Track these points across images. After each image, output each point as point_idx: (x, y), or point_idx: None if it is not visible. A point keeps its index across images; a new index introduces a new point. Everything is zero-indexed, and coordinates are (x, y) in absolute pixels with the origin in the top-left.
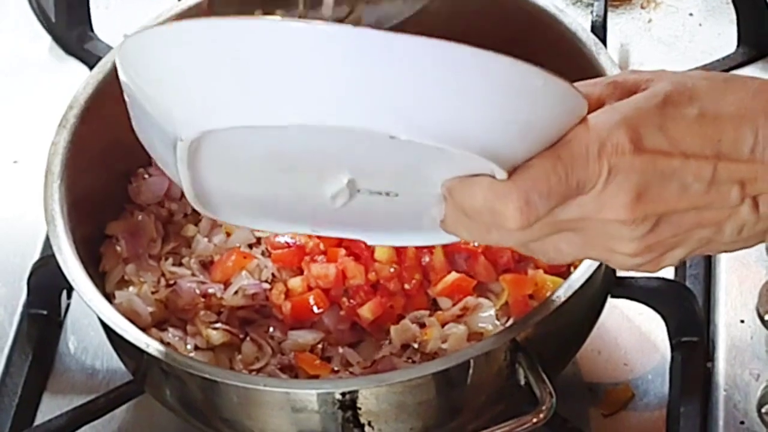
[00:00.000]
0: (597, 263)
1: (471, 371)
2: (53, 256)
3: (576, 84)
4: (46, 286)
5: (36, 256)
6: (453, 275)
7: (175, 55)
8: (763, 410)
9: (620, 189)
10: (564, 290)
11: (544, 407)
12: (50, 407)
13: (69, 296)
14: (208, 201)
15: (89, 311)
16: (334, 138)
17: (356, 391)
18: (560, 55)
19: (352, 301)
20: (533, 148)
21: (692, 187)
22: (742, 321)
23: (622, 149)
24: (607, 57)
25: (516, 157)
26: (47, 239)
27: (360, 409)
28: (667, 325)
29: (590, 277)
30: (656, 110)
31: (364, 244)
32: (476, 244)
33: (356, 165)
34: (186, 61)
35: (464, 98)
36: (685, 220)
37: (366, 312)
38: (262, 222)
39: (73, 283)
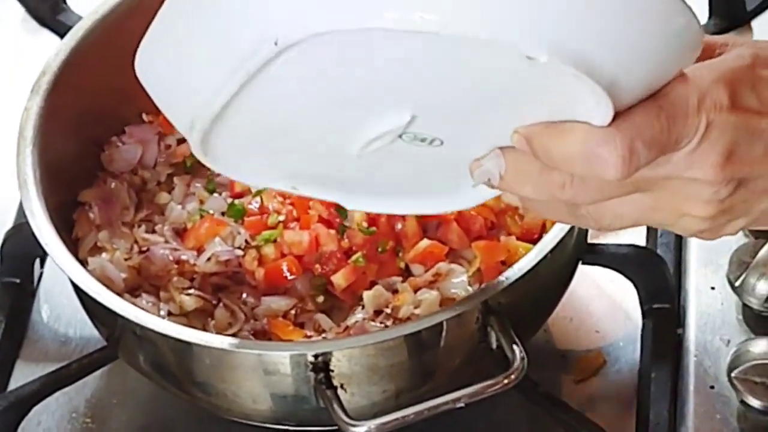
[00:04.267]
0: (567, 228)
1: (443, 334)
2: (26, 223)
3: None
4: (19, 255)
5: (9, 226)
6: (425, 242)
7: None
8: (733, 375)
9: (713, 147)
10: (534, 254)
11: (515, 369)
12: (23, 375)
13: (42, 265)
14: (220, 150)
15: (62, 280)
16: (425, 62)
17: (329, 354)
18: None
19: (324, 267)
20: (641, 92)
21: None
22: (713, 288)
23: (721, 105)
24: None
25: (623, 100)
26: (20, 208)
27: (333, 371)
28: (638, 291)
29: (561, 242)
30: (748, 70)
31: (337, 208)
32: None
33: (425, 100)
34: None
35: (611, 21)
36: (759, 185)
37: (339, 279)
38: (278, 181)
39: (46, 248)
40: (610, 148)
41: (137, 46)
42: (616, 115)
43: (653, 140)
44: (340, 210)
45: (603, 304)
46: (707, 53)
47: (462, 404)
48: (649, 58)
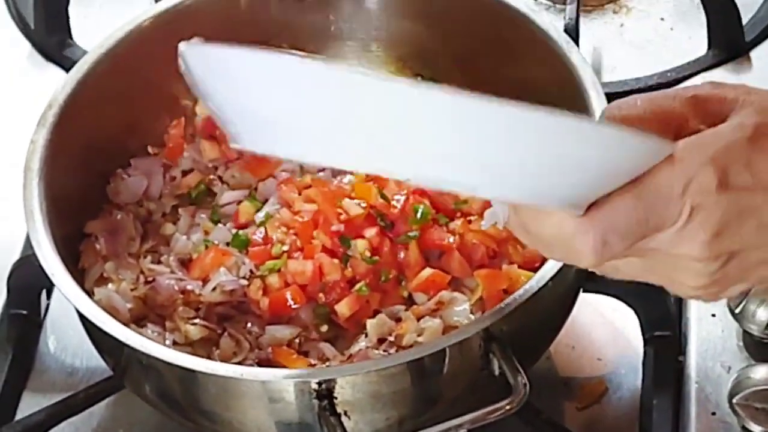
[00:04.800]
0: None
1: (446, 361)
2: (32, 255)
3: (654, 96)
4: (26, 286)
5: (15, 258)
6: (428, 271)
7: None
8: (734, 401)
9: (701, 227)
10: (536, 282)
11: (517, 395)
12: (30, 405)
13: (49, 296)
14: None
15: (68, 311)
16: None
17: (332, 381)
18: (533, 53)
19: (328, 296)
20: (613, 188)
21: None
22: (713, 315)
23: (708, 188)
24: (579, 55)
25: (595, 197)
26: (26, 241)
27: (336, 398)
28: (639, 319)
29: (561, 270)
30: (745, 144)
31: (340, 238)
32: (451, 240)
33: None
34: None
35: (559, 165)
36: (754, 256)
37: (343, 308)
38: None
39: (52, 278)
40: (583, 238)
41: (142, 80)
42: (595, 203)
43: (628, 231)
44: (344, 240)
45: (605, 332)
46: (716, 110)
47: (464, 430)
48: (605, 176)
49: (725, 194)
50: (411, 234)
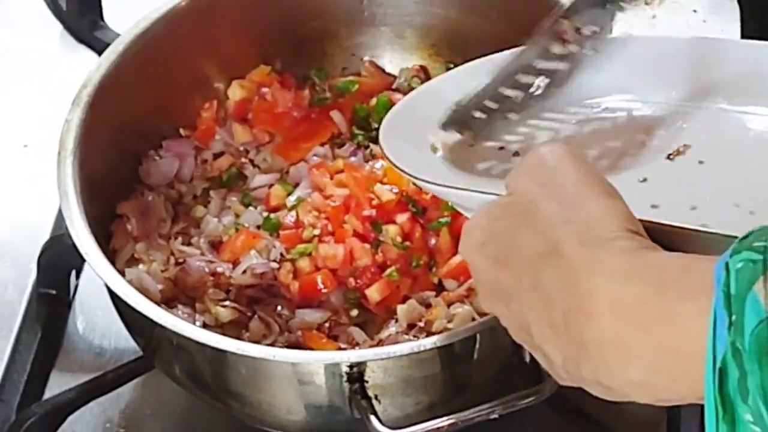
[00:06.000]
0: None
1: (476, 347)
2: (63, 235)
3: None
4: (56, 266)
5: (46, 238)
6: (458, 258)
7: None
8: None
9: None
10: None
11: (549, 381)
12: (58, 385)
13: (78, 277)
14: None
15: (98, 292)
16: None
17: (364, 364)
18: None
19: (358, 281)
20: None
21: None
22: None
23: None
24: None
25: None
26: (56, 221)
27: (367, 382)
28: None
29: None
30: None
31: (372, 223)
32: None
33: None
34: None
35: None
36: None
37: (373, 293)
38: None
39: (85, 256)
40: None
41: (175, 62)
42: None
43: None
44: (375, 225)
45: None
46: None
47: (496, 415)
48: None
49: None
50: (442, 220)
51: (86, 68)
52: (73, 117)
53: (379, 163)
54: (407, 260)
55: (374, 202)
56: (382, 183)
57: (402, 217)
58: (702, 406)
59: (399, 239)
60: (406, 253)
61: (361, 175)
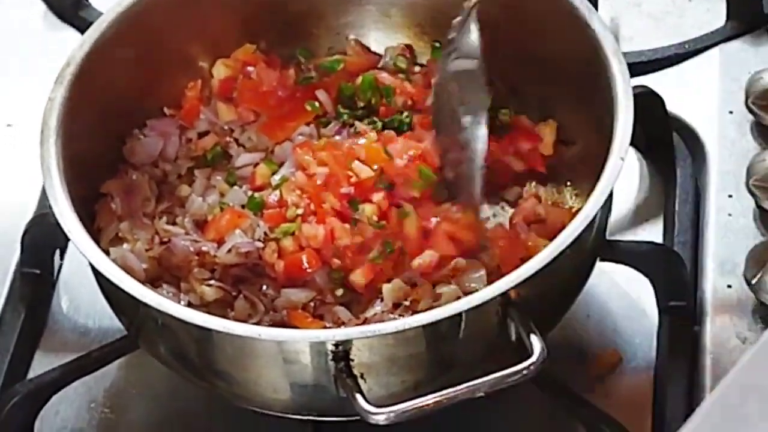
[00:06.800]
0: (586, 223)
1: (462, 325)
2: (47, 214)
3: None
4: (40, 245)
5: (29, 218)
6: (431, 253)
7: None
8: None
9: None
10: (554, 248)
11: (535, 358)
12: (42, 365)
13: (62, 256)
14: None
15: (82, 272)
16: None
17: (349, 342)
18: (554, 20)
19: (342, 261)
20: None
21: None
22: (729, 286)
23: None
24: (600, 22)
25: None
26: (41, 201)
27: (353, 360)
28: (655, 289)
29: (579, 237)
30: None
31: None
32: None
33: None
34: None
35: None
36: None
37: (358, 277)
38: None
39: (69, 234)
40: None
41: (159, 41)
42: None
43: None
44: (353, 203)
45: (620, 302)
46: None
47: (481, 393)
48: None
49: None
50: (407, 208)
51: (69, 47)
52: (56, 95)
53: (361, 140)
54: (383, 243)
55: (353, 180)
56: (361, 160)
57: (378, 196)
58: (688, 385)
59: (375, 218)
60: (383, 234)
61: (341, 152)
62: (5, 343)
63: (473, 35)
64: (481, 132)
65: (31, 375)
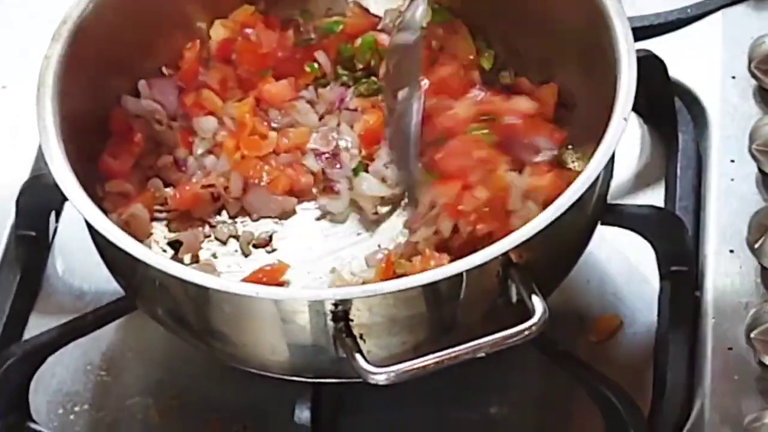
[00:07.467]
0: (587, 186)
1: (463, 286)
2: (42, 175)
3: None
4: (35, 207)
5: (24, 180)
6: None
7: None
8: (752, 336)
9: None
10: (555, 209)
11: (537, 319)
12: (38, 327)
13: (57, 219)
14: None
15: (77, 234)
16: None
17: (349, 302)
18: None
19: None
20: None
21: None
22: (732, 251)
23: None
24: None
25: None
26: (36, 163)
27: (352, 321)
28: (656, 254)
29: (580, 199)
30: None
31: None
32: None
33: None
34: None
35: None
36: None
37: None
38: None
39: (66, 192)
40: None
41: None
42: None
43: None
44: None
45: (621, 267)
46: None
47: (482, 354)
48: None
49: None
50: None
51: (66, 4)
52: (52, 53)
53: None
54: None
55: None
56: None
57: None
58: (689, 350)
59: None
60: None
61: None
62: (0, 305)
63: (420, 8)
64: (415, 107)
65: (26, 337)
